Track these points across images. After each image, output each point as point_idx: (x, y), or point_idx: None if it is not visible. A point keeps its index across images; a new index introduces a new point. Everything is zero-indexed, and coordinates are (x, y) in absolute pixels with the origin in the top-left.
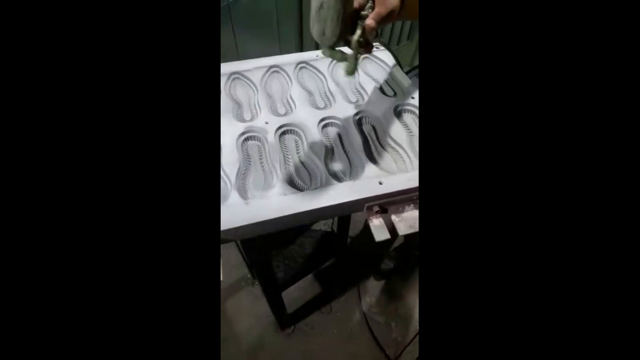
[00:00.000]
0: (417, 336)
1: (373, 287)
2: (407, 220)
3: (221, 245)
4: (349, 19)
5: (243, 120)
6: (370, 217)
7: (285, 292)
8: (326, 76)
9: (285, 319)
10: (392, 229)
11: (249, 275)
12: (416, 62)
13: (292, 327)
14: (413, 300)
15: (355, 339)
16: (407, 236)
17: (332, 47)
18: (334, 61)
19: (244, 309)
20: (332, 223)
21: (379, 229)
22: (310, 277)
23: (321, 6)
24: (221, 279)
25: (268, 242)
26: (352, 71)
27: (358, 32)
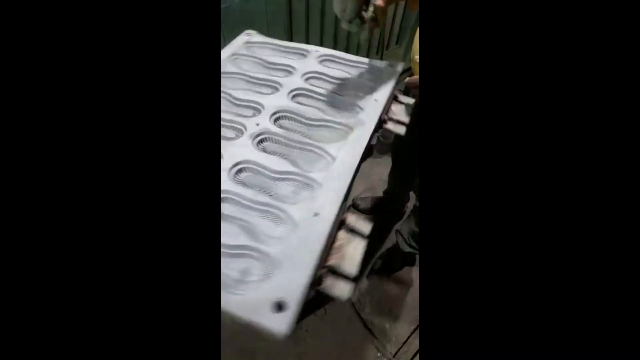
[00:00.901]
0: (411, 336)
1: (366, 288)
2: (349, 258)
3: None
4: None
5: (237, 136)
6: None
7: None
8: (241, 72)
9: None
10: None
11: None
12: (407, 65)
13: None
14: (406, 300)
15: (349, 342)
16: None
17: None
18: (237, 57)
19: None
20: None
21: (338, 286)
22: None
23: None
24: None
25: None
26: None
27: (371, 9)
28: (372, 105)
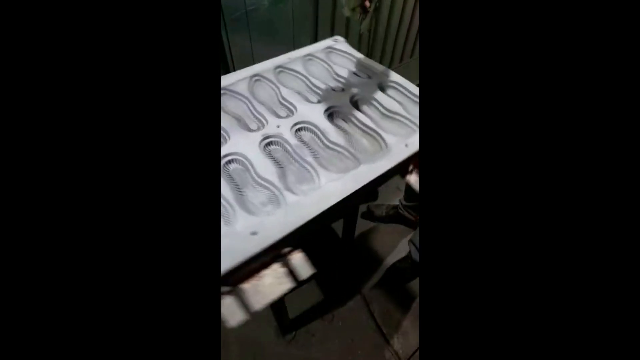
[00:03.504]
0: (418, 351)
1: (377, 296)
2: (261, 292)
3: None
4: None
5: (253, 130)
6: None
7: (287, 297)
8: (304, 74)
9: (286, 325)
10: None
11: None
12: None
13: (293, 333)
14: (416, 311)
15: (356, 349)
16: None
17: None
18: (306, 58)
19: None
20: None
21: (233, 312)
22: (312, 283)
23: None
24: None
25: None
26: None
27: None
28: (398, 150)
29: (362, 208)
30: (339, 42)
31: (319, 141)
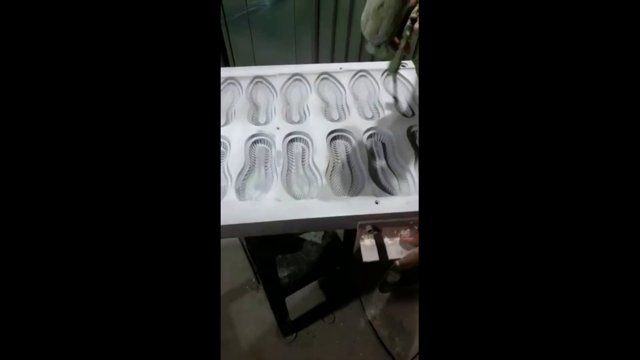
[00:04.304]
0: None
1: (378, 298)
2: (400, 245)
3: (228, 248)
4: (401, 20)
5: (257, 123)
6: (362, 236)
7: (288, 299)
8: (346, 89)
9: (287, 326)
10: (382, 251)
11: (253, 280)
12: None
13: (294, 334)
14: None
15: (357, 351)
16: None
17: (378, 46)
18: (356, 75)
19: (247, 313)
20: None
21: (368, 250)
22: (314, 285)
23: (381, 5)
24: (227, 281)
25: (274, 246)
26: (395, 69)
27: (407, 33)
28: (367, 203)
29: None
30: (406, 68)
31: (300, 160)
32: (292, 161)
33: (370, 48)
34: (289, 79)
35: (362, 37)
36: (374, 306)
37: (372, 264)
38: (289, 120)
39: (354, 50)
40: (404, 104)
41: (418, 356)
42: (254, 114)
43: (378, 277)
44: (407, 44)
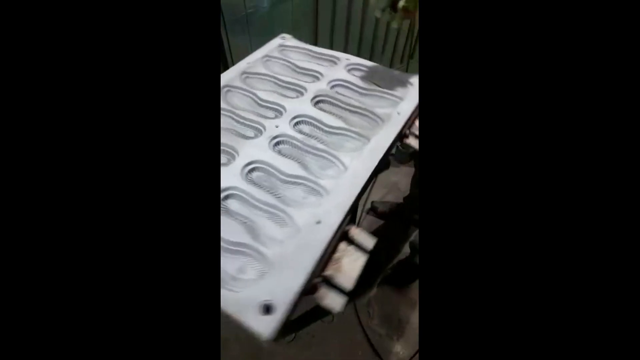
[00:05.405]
0: (415, 355)
1: (376, 298)
2: (346, 272)
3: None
4: None
5: (251, 137)
6: (317, 295)
7: None
8: (270, 74)
9: (286, 326)
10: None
11: None
12: None
13: (293, 334)
14: (414, 317)
15: (356, 350)
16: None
17: (382, 10)
18: (269, 59)
19: None
20: None
21: (332, 298)
22: None
23: None
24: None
25: None
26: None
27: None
28: (395, 118)
29: (367, 204)
30: (287, 39)
31: (319, 130)
32: (318, 136)
33: (377, 12)
34: (222, 94)
35: (368, 4)
36: (371, 306)
37: (372, 259)
38: (267, 118)
39: (352, 53)
40: (319, 61)
41: (418, 355)
42: (239, 134)
43: (375, 277)
44: (407, 9)
